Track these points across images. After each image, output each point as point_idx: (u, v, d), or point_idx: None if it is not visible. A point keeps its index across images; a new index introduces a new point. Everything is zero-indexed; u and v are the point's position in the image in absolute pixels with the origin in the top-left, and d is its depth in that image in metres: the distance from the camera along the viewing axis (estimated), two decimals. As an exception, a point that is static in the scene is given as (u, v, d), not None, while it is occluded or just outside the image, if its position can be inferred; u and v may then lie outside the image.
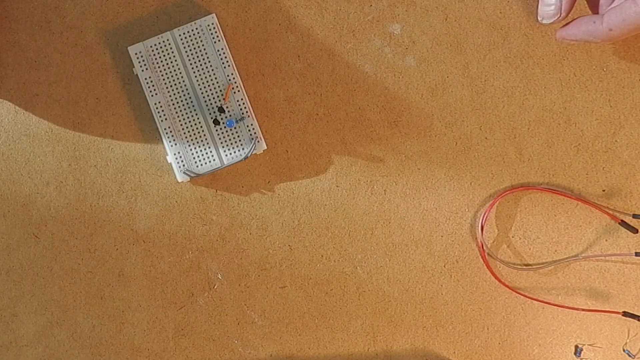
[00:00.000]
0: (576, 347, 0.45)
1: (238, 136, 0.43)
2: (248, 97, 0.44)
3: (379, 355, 0.45)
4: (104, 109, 0.45)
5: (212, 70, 0.43)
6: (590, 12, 0.44)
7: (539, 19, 0.43)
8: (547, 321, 0.45)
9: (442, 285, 0.45)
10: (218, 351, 0.45)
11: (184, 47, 0.43)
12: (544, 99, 0.45)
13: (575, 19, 0.42)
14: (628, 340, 0.45)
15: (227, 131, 0.43)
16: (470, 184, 0.45)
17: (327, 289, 0.45)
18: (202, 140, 0.43)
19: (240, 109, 0.43)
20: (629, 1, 0.38)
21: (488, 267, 0.45)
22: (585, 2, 0.44)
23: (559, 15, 0.42)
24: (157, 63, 0.43)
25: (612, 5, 0.40)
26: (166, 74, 0.43)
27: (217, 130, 0.43)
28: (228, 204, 0.45)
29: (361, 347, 0.45)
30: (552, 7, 0.42)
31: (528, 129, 0.45)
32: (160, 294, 0.45)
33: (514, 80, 0.45)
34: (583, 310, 0.45)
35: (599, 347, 0.45)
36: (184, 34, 0.43)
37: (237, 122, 0.43)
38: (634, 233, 0.44)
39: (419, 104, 0.45)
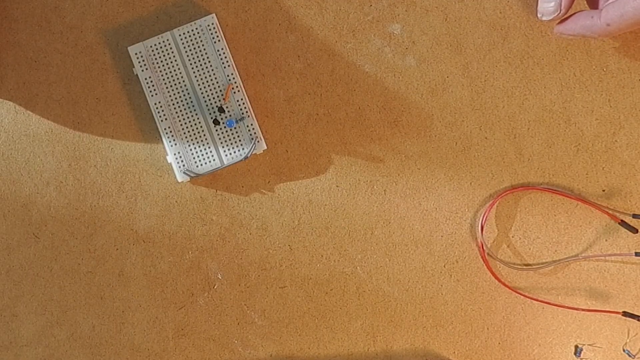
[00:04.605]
0: (576, 347, 0.45)
1: (238, 136, 0.43)
2: (248, 97, 0.44)
3: (379, 355, 0.45)
4: (104, 109, 0.45)
5: (212, 70, 0.43)
6: (588, 8, 0.44)
7: (539, 15, 0.43)
8: (547, 321, 0.45)
9: (442, 285, 0.45)
10: (218, 351, 0.45)
11: (184, 47, 0.43)
12: (544, 99, 0.45)
13: (573, 14, 0.42)
14: (628, 340, 0.45)
15: (227, 131, 0.43)
16: (470, 184, 0.45)
17: (327, 289, 0.45)
18: (202, 140, 0.43)
19: (240, 109, 0.43)
20: None
21: (488, 267, 0.45)
22: None
23: (558, 12, 0.42)
24: (157, 63, 0.43)
25: (611, 0, 0.40)
26: (166, 74, 0.43)
27: (217, 130, 0.43)
28: (228, 204, 0.45)
29: (361, 347, 0.45)
30: (552, 4, 0.42)
31: (528, 129, 0.45)
32: (160, 294, 0.45)
33: (514, 80, 0.45)
34: (583, 310, 0.45)
35: (599, 347, 0.45)
36: (184, 34, 0.43)
37: (237, 122, 0.43)
38: (634, 233, 0.44)
39: (419, 104, 0.45)
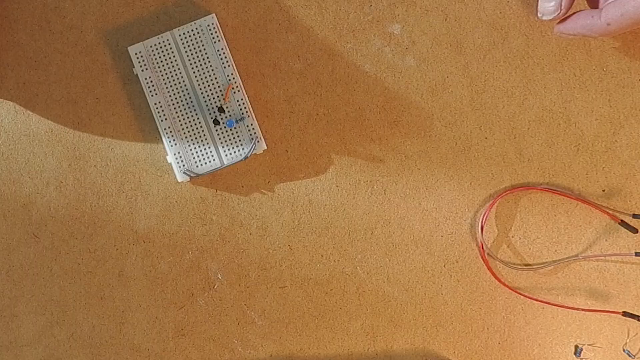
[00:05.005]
0: (576, 347, 0.45)
1: (238, 136, 0.43)
2: (248, 97, 0.44)
3: (379, 355, 0.45)
4: (104, 109, 0.45)
5: (212, 70, 0.43)
6: (588, 8, 0.43)
7: (539, 15, 0.43)
8: (547, 321, 0.45)
9: (442, 285, 0.45)
10: (218, 351, 0.45)
11: (184, 47, 0.43)
12: (544, 99, 0.45)
13: (573, 14, 0.42)
14: (628, 340, 0.45)
15: (227, 131, 0.43)
16: (470, 184, 0.45)
17: (327, 289, 0.45)
18: (202, 140, 0.43)
19: (240, 109, 0.43)
20: None
21: (488, 267, 0.45)
22: None
23: (559, 12, 0.42)
24: (157, 63, 0.43)
25: (611, 0, 0.40)
26: (166, 74, 0.43)
27: (217, 130, 0.43)
28: (228, 204, 0.45)
29: (361, 347, 0.45)
30: (552, 4, 0.42)
31: (528, 129, 0.45)
32: (160, 294, 0.45)
33: (514, 80, 0.45)
34: (583, 310, 0.45)
35: (599, 347, 0.45)
36: (184, 34, 0.43)
37: (237, 122, 0.43)
38: (634, 233, 0.44)
39: (419, 104, 0.45)
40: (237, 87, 0.43)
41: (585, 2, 0.44)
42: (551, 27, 0.44)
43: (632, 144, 0.45)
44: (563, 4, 0.41)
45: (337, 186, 0.45)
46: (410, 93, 0.45)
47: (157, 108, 0.43)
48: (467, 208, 0.45)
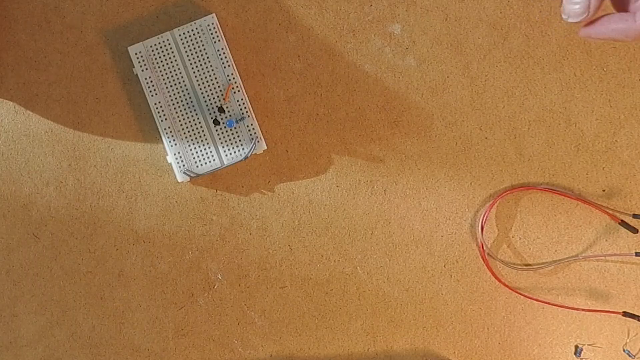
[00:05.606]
0: (576, 347, 0.45)
1: (238, 136, 0.43)
2: (248, 97, 0.44)
3: (379, 355, 0.45)
4: (104, 109, 0.45)
5: (212, 70, 0.43)
6: (614, 11, 0.42)
7: (564, 17, 0.41)
8: (547, 321, 0.45)
9: (442, 285, 0.45)
10: (218, 351, 0.45)
11: (184, 47, 0.43)
12: (544, 99, 0.45)
13: (601, 17, 0.40)
14: (628, 340, 0.45)
15: (227, 131, 0.43)
16: (470, 184, 0.45)
17: (327, 289, 0.45)
18: (202, 140, 0.43)
19: (240, 109, 0.43)
20: None
21: (488, 267, 0.45)
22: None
23: (586, 14, 0.39)
24: (157, 63, 0.43)
25: None
26: (166, 74, 0.43)
27: (217, 130, 0.43)
28: (228, 204, 0.45)
29: (361, 347, 0.45)
30: (579, 6, 0.39)
31: (528, 129, 0.45)
32: (160, 294, 0.45)
33: (514, 80, 0.45)
34: (583, 310, 0.45)
35: (599, 347, 0.45)
36: (184, 34, 0.43)
37: (237, 122, 0.43)
38: (634, 233, 0.44)
39: (419, 104, 0.45)
40: (237, 87, 0.43)
41: (610, 2, 0.42)
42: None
43: (632, 144, 0.45)
44: (591, 6, 0.39)
45: (337, 186, 0.45)
46: (410, 93, 0.45)
47: (157, 108, 0.43)
48: (467, 208, 0.45)
